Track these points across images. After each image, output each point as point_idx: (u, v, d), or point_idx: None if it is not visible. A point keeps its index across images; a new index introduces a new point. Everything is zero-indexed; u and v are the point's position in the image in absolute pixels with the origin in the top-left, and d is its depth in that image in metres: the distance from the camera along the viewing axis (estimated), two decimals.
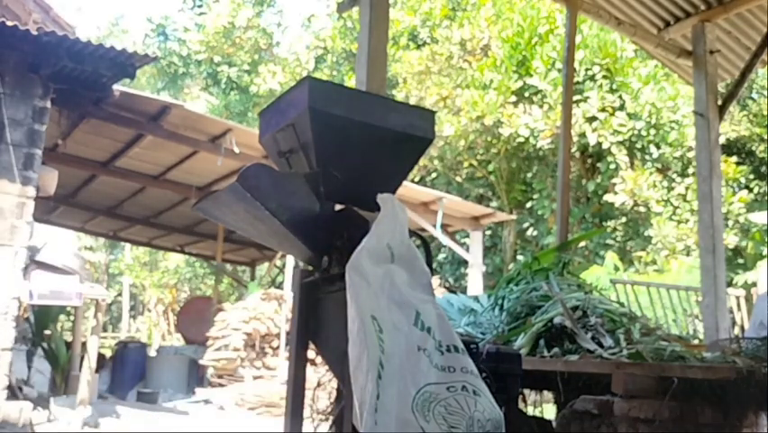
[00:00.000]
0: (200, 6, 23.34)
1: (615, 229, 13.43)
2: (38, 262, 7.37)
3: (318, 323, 2.27)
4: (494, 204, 14.68)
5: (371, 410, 1.79)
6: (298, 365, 2.29)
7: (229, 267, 16.91)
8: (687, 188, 13.22)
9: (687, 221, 12.71)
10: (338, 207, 2.25)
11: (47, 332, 9.42)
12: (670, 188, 13.41)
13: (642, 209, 12.85)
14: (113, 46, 6.60)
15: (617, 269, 9.76)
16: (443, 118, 13.64)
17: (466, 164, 15.03)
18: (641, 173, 12.82)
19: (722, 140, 9.44)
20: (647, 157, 13.72)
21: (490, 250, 15.01)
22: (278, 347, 10.76)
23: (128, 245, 20.71)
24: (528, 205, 14.46)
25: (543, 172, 14.15)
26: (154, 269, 22.39)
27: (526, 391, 3.40)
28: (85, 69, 6.64)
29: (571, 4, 5.67)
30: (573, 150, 12.68)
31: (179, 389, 11.22)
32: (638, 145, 13.53)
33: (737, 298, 7.73)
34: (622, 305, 3.96)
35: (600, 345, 3.12)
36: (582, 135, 12.94)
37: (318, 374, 2.87)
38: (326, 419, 2.94)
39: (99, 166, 11.03)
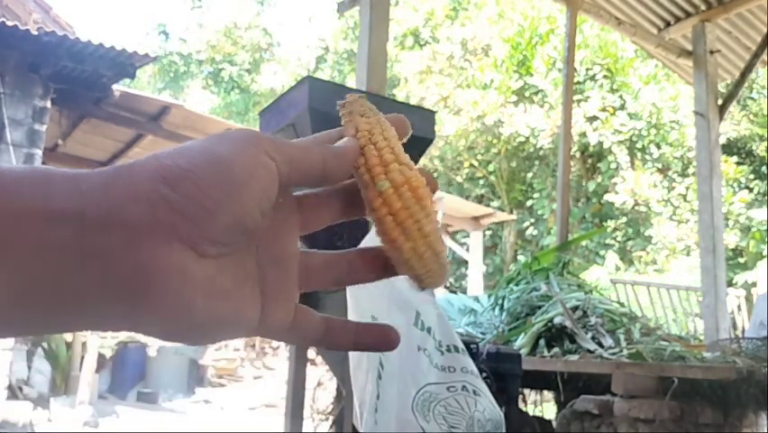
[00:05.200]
0: (200, 8, 23.34)
1: (615, 229, 13.44)
2: None
3: None
4: (494, 204, 14.67)
5: (371, 410, 1.79)
6: (298, 365, 2.29)
7: None
8: (687, 188, 13.23)
9: (687, 221, 12.72)
10: None
11: None
12: (670, 188, 13.41)
13: (642, 209, 12.85)
14: (113, 46, 6.59)
15: (617, 269, 9.76)
16: (444, 118, 13.65)
17: (466, 164, 15.04)
18: (641, 173, 12.83)
19: (722, 140, 9.43)
20: (648, 157, 13.73)
21: (490, 250, 15.01)
22: (278, 347, 10.76)
23: None
24: (528, 205, 14.46)
25: (543, 172, 14.15)
26: None
27: (527, 391, 3.40)
28: (85, 69, 6.64)
29: (572, 4, 5.67)
30: (574, 149, 12.68)
31: (179, 389, 11.21)
32: (639, 145, 13.53)
33: (737, 298, 7.73)
34: (622, 305, 3.96)
35: (600, 345, 3.12)
36: (583, 135, 12.95)
37: (318, 374, 2.87)
38: (326, 419, 2.94)
39: (99, 166, 10.86)
